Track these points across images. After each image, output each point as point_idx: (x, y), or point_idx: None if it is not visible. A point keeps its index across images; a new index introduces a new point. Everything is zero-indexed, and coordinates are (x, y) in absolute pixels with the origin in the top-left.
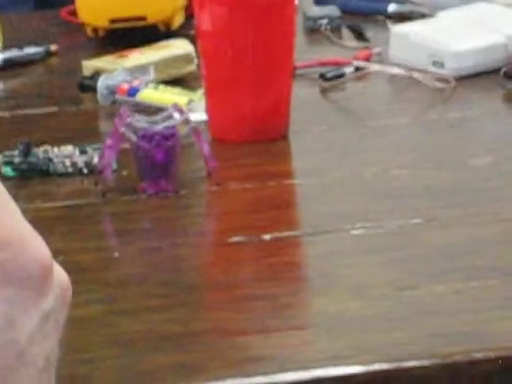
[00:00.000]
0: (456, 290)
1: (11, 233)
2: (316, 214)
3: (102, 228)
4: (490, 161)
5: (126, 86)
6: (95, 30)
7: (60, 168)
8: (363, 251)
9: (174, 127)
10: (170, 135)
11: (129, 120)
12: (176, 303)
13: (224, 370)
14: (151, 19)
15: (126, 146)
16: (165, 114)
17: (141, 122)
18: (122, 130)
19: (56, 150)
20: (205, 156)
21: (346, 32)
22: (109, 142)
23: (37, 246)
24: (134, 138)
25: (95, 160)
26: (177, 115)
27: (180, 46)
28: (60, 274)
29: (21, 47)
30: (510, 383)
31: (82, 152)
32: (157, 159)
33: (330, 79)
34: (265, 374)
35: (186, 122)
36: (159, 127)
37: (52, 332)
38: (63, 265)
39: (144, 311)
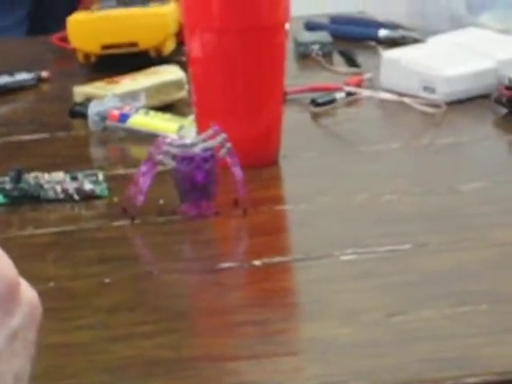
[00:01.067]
0: (446, 316)
1: None
2: (307, 240)
3: (93, 254)
4: (481, 186)
5: (116, 112)
6: (87, 56)
7: (51, 194)
8: (354, 277)
9: (212, 149)
10: (209, 157)
11: (166, 148)
12: (167, 329)
13: None
14: (142, 45)
15: (120, 172)
16: (202, 137)
17: (177, 146)
18: (160, 157)
19: (47, 176)
20: (237, 182)
21: (337, 57)
22: (143, 168)
23: (2, 265)
24: (172, 163)
25: (87, 186)
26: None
27: (171, 72)
28: (28, 293)
29: (12, 73)
30: None
31: (73, 178)
32: (197, 181)
33: (321, 105)
34: None
35: (223, 144)
36: (197, 149)
37: (21, 350)
38: (54, 291)
39: (135, 337)
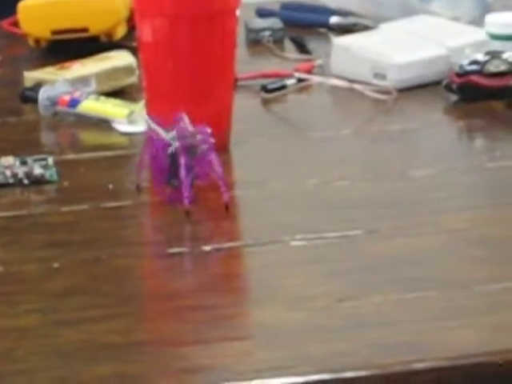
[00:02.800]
0: (395, 301)
1: None
2: (256, 225)
3: (42, 238)
4: (431, 172)
5: (67, 98)
6: (37, 41)
7: (0, 179)
8: (303, 262)
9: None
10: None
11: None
12: (116, 314)
13: (164, 380)
14: (93, 31)
15: (70, 157)
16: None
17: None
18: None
19: None
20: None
21: (288, 44)
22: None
23: None
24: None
25: (36, 171)
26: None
27: (121, 58)
28: None
29: None
30: None
31: (23, 163)
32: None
33: (272, 91)
34: None
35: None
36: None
37: None
38: (3, 275)
39: (84, 322)
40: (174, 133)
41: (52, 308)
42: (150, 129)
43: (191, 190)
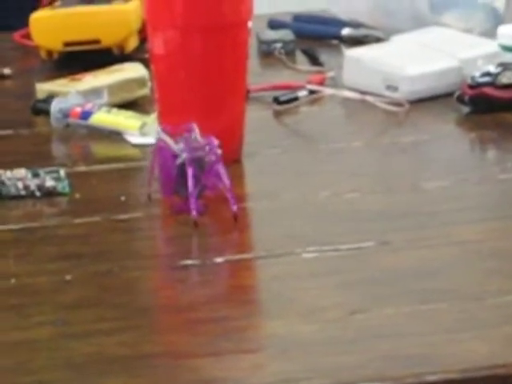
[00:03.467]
0: (407, 313)
1: None
2: (269, 237)
3: (54, 251)
4: (442, 184)
5: (78, 110)
6: (49, 53)
7: (12, 191)
8: (315, 274)
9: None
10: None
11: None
12: (128, 326)
13: None
14: (105, 42)
15: (82, 169)
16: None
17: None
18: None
19: (9, 172)
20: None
21: (299, 56)
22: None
23: None
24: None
25: (48, 183)
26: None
27: (133, 70)
28: None
29: None
30: None
31: (35, 175)
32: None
33: (284, 103)
34: None
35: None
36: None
37: None
38: (15, 287)
39: (96, 334)
40: (182, 144)
41: (63, 320)
42: (159, 139)
43: (199, 201)
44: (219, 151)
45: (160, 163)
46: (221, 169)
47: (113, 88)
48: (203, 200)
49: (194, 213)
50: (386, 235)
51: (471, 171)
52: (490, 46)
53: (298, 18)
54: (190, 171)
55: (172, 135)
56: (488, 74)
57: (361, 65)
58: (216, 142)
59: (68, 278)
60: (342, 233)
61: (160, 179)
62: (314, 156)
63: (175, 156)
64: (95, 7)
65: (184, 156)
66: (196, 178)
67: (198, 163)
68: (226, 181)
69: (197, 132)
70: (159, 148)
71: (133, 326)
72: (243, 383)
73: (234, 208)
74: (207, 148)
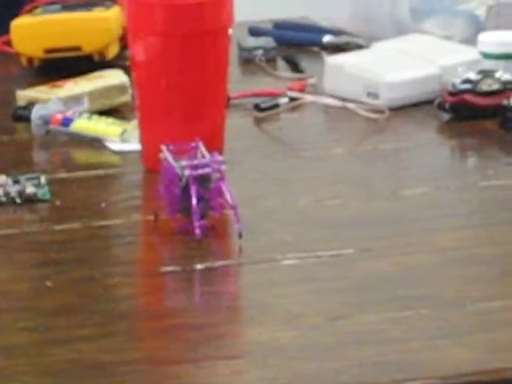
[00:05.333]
0: (388, 320)
1: None
2: (249, 244)
3: (34, 257)
4: (423, 191)
5: (59, 116)
6: (30, 60)
7: None
8: (296, 281)
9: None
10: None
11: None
12: (108, 332)
13: None
14: (86, 49)
15: (63, 175)
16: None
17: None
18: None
19: None
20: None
21: (280, 63)
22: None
23: None
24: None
25: (29, 190)
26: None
27: (114, 77)
28: None
29: None
30: None
31: (15, 182)
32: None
33: (265, 110)
34: None
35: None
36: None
37: None
38: None
39: (76, 340)
40: (183, 163)
41: (44, 326)
42: (163, 158)
43: (202, 220)
44: (223, 167)
45: (165, 183)
46: (225, 187)
47: (93, 95)
48: (208, 220)
49: (197, 231)
50: (367, 242)
51: (452, 178)
52: (471, 53)
53: (278, 25)
54: (192, 189)
55: (174, 153)
56: (468, 81)
57: (342, 72)
58: (220, 158)
59: (49, 284)
60: (322, 240)
61: (165, 199)
62: (294, 163)
63: (178, 175)
64: (76, 14)
65: (187, 174)
66: (199, 196)
67: (202, 182)
68: (231, 199)
69: (203, 149)
70: (164, 168)
71: (113, 333)
72: None
73: (239, 227)
74: (211, 165)
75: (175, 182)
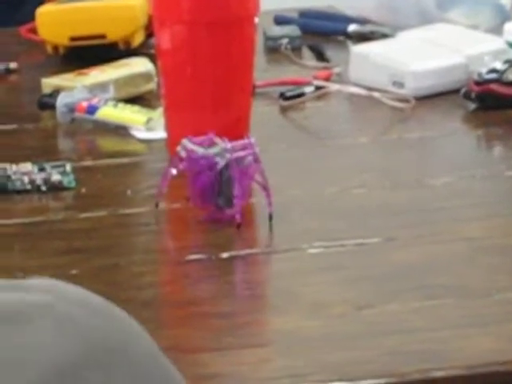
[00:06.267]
0: (413, 309)
1: None
2: (275, 233)
3: (60, 245)
4: (448, 180)
5: (85, 104)
6: (55, 47)
7: (18, 185)
8: (321, 270)
9: (222, 158)
10: (213, 165)
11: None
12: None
13: None
14: (111, 37)
15: (88, 163)
16: (230, 146)
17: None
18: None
19: (14, 167)
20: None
21: (306, 52)
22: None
23: None
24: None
25: (54, 178)
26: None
27: (140, 64)
28: None
29: None
30: None
31: (41, 169)
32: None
33: (290, 98)
34: None
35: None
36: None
37: None
38: None
39: None
40: (219, 148)
41: None
42: (185, 149)
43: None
44: (257, 150)
45: (193, 174)
46: (260, 168)
47: (119, 83)
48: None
49: (238, 216)
50: (392, 231)
51: (477, 167)
52: (497, 43)
53: (304, 14)
54: (234, 172)
55: (197, 143)
56: (495, 70)
57: (367, 61)
58: (253, 140)
59: (74, 272)
60: (348, 228)
61: (193, 190)
62: (320, 152)
63: (213, 163)
64: (102, 2)
65: (225, 160)
66: (239, 180)
67: (239, 165)
68: (264, 180)
69: (218, 140)
70: (189, 159)
71: (138, 321)
72: (248, 378)
73: (271, 208)
74: (247, 147)
75: (205, 171)
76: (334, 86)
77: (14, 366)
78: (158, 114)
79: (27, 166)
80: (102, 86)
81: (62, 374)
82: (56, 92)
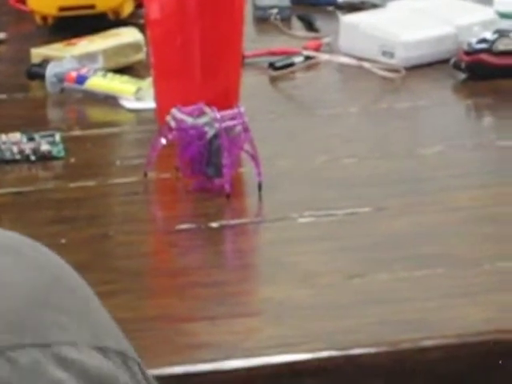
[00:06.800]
0: (403, 278)
1: None
2: (264, 202)
3: (49, 215)
4: (439, 150)
5: (74, 74)
6: (44, 18)
7: (7, 155)
8: (311, 239)
9: (211, 127)
10: (202, 134)
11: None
12: (123, 290)
13: (170, 357)
14: (100, 7)
15: (77, 133)
16: (218, 115)
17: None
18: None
19: (4, 136)
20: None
21: (295, 22)
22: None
23: None
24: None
25: (43, 147)
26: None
27: (129, 34)
28: None
29: None
30: (455, 370)
31: (30, 139)
32: (187, 154)
33: (280, 68)
34: (211, 360)
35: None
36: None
37: None
38: None
39: None
40: (209, 117)
41: None
42: (175, 119)
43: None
44: (246, 119)
45: (183, 143)
46: (249, 136)
47: (108, 53)
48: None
49: (227, 186)
50: (383, 201)
51: (468, 137)
52: (487, 13)
53: None
54: (224, 142)
55: (186, 113)
56: (484, 40)
57: (357, 31)
58: (242, 109)
59: (63, 241)
60: (338, 198)
61: (182, 159)
62: (309, 122)
63: (202, 132)
64: None
65: (214, 129)
66: (228, 150)
67: (229, 134)
68: (254, 150)
69: (208, 109)
70: (178, 129)
71: (128, 290)
72: (238, 347)
73: (260, 178)
74: (237, 117)
75: (195, 141)
76: (323, 56)
77: None
78: (147, 84)
79: (16, 136)
80: (91, 56)
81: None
82: (45, 62)
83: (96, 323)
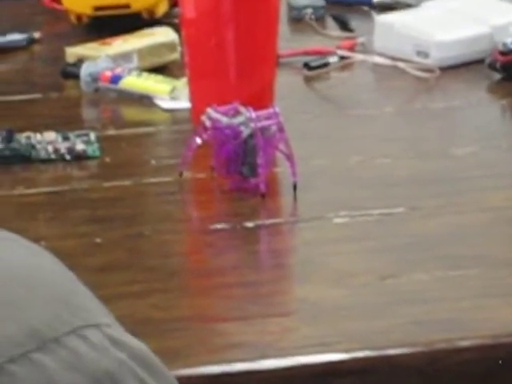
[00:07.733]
0: (438, 279)
1: None
2: (299, 202)
3: (84, 214)
4: (473, 150)
5: (108, 74)
6: (79, 17)
7: (42, 154)
8: (346, 239)
9: (246, 127)
10: (238, 133)
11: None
12: (158, 289)
13: (205, 357)
14: (135, 7)
15: (112, 132)
16: (253, 115)
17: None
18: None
19: (39, 136)
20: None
21: (330, 22)
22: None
23: None
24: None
25: (78, 147)
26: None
27: (164, 34)
28: None
29: (4, 34)
30: (490, 370)
31: (65, 138)
32: (222, 153)
33: (314, 68)
34: (246, 360)
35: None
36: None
37: None
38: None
39: (126, 297)
40: (244, 117)
41: (93, 283)
42: (210, 119)
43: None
44: (281, 119)
45: (218, 143)
46: (284, 137)
47: (143, 52)
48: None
49: (262, 186)
50: (417, 201)
51: (503, 138)
52: None
53: None
54: (259, 141)
55: (222, 113)
56: None
57: (391, 31)
58: (277, 109)
59: (98, 241)
60: (372, 198)
61: (218, 159)
62: (344, 122)
63: (238, 132)
64: None
65: (250, 129)
66: (264, 149)
67: (264, 134)
68: (289, 150)
69: (244, 109)
70: (213, 129)
71: (163, 290)
72: (273, 347)
73: (296, 178)
74: (272, 117)
75: (230, 140)
76: (358, 56)
77: None
78: (182, 84)
79: (51, 135)
80: (125, 56)
81: None
82: (80, 61)
83: (101, 305)
